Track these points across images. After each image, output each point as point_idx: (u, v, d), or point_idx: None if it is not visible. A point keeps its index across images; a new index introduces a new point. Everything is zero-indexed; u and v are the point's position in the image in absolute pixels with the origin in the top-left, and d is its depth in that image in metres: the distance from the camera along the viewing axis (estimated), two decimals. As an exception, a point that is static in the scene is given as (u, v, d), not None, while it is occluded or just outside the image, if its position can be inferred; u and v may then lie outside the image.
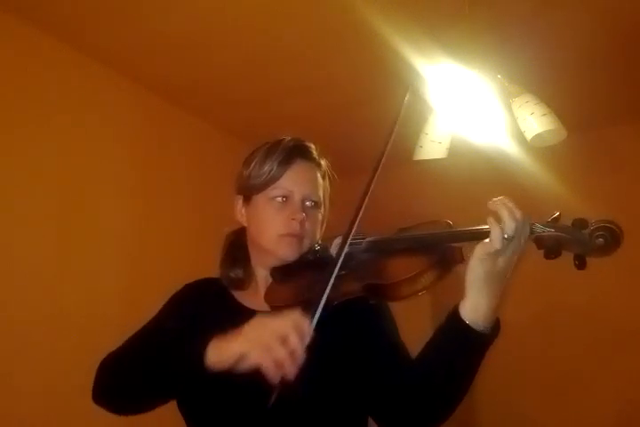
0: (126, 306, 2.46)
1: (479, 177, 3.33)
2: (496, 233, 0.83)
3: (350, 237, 0.96)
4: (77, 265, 2.43)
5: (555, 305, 3.38)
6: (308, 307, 0.88)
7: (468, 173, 3.33)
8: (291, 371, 0.81)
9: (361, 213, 0.98)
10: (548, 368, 3.39)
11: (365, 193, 0.99)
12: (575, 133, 2.18)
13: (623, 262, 3.23)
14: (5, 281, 2.14)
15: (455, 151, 2.17)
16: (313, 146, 1.16)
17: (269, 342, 0.82)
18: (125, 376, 1.01)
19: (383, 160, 1.01)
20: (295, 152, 1.12)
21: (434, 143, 2.08)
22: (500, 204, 0.85)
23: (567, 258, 0.87)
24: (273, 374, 0.81)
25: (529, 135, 1.92)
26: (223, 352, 0.87)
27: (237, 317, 1.03)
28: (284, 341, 0.82)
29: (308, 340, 0.84)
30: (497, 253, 0.85)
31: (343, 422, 1.04)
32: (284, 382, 0.82)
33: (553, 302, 3.38)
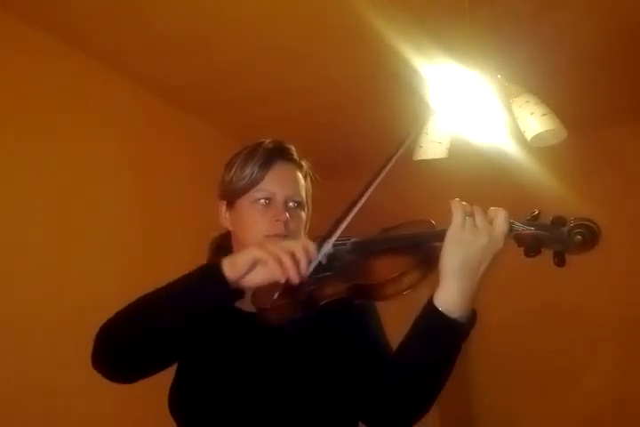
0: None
1: (479, 177, 3.34)
2: (456, 208, 0.89)
3: (334, 236, 0.96)
4: (77, 265, 2.43)
5: (547, 305, 3.38)
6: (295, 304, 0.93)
7: (468, 173, 3.33)
8: (295, 275, 0.88)
9: (349, 217, 0.97)
10: (545, 368, 3.39)
11: (360, 196, 0.98)
12: (575, 134, 2.18)
13: (620, 262, 3.24)
14: (5, 281, 2.14)
15: (455, 151, 2.17)
16: (293, 147, 1.16)
17: (278, 252, 0.89)
18: (134, 323, 0.97)
19: (387, 169, 1.01)
20: (275, 154, 1.12)
21: (434, 143, 2.08)
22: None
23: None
24: (279, 276, 0.88)
25: (529, 135, 1.92)
26: (237, 261, 0.92)
27: (229, 319, 1.04)
28: (291, 254, 0.89)
29: (313, 260, 0.91)
30: (465, 234, 0.88)
31: (332, 421, 1.04)
32: (287, 285, 0.89)
33: (546, 303, 3.39)
